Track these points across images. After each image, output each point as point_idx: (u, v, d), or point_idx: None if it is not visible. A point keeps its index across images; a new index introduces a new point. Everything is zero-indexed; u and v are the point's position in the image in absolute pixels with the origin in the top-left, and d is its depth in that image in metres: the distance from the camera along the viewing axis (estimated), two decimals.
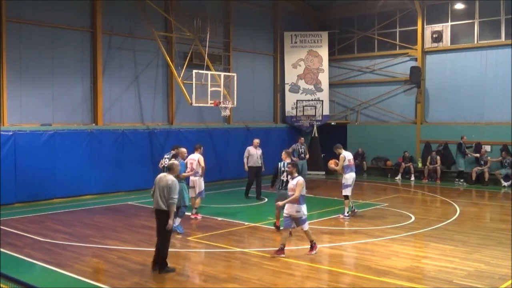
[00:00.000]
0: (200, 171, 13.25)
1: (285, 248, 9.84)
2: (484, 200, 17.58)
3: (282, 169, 11.55)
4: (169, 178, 8.77)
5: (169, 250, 8.91)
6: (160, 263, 8.75)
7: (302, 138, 19.01)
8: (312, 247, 9.99)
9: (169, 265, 8.82)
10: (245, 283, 8.22)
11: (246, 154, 16.85)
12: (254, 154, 16.74)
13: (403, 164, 21.98)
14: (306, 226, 10.01)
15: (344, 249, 10.72)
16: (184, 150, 12.63)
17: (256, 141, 16.97)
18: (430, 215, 14.22)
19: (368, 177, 22.77)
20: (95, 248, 10.48)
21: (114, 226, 12.58)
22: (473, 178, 20.11)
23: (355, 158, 23.07)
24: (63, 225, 12.69)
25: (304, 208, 9.93)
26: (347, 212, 13.54)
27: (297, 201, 9.81)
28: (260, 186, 16.82)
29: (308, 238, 10.04)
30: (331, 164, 13.77)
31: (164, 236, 8.81)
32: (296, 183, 9.90)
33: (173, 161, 9.39)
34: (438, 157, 21.10)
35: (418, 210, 15.22)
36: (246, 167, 16.82)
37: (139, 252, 10.03)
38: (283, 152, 12.19)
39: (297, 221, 9.94)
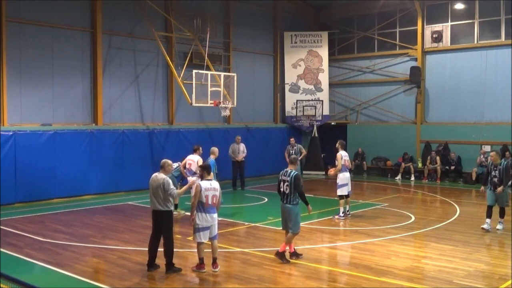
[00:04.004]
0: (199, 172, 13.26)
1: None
2: (484, 200, 17.48)
3: (279, 178, 9.63)
4: (160, 177, 8.73)
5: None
6: (166, 263, 8.74)
7: (293, 139, 18.95)
8: (198, 265, 8.83)
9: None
10: (245, 283, 8.22)
11: (230, 150, 18.71)
12: (236, 149, 18.65)
13: (403, 164, 21.97)
14: (197, 238, 8.70)
15: (344, 249, 10.73)
16: (215, 149, 13.47)
17: (238, 138, 18.91)
18: (430, 215, 14.23)
19: (368, 177, 22.79)
20: (95, 248, 10.48)
21: (114, 226, 12.58)
22: (473, 178, 20.10)
23: (355, 158, 23.34)
24: (63, 225, 12.69)
25: (196, 217, 8.63)
26: (342, 213, 13.52)
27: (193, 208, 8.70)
28: (243, 177, 18.91)
29: (198, 255, 8.85)
30: (331, 172, 14.27)
31: (167, 236, 8.81)
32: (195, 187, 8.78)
33: (166, 160, 9.05)
34: (438, 157, 21.11)
35: (418, 210, 15.23)
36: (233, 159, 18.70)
37: (139, 252, 10.02)
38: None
39: None
